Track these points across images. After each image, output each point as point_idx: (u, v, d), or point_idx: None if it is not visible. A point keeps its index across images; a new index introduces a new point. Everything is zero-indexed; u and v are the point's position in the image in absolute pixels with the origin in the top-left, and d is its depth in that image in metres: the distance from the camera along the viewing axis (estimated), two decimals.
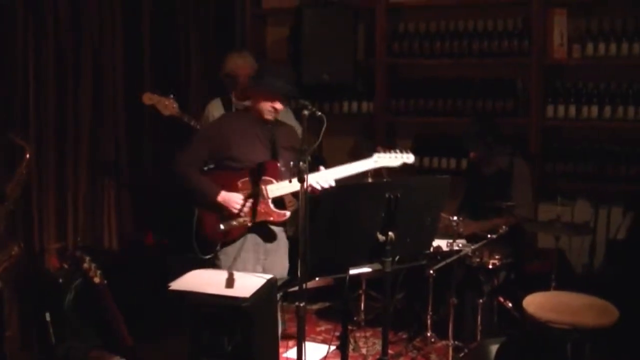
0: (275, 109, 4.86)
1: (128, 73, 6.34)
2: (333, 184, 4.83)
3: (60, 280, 5.27)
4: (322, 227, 3.86)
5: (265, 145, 4.93)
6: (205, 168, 4.98)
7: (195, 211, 4.89)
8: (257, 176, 4.88)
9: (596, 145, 6.59)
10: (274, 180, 4.89)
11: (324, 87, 7.10)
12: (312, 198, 4.20)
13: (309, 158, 4.07)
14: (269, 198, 4.89)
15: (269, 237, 5.02)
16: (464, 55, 7.00)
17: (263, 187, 4.88)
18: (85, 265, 4.84)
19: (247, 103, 5.16)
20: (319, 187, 4.76)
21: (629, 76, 6.47)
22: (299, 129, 5.91)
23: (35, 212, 5.57)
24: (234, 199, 4.83)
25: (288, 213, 5.01)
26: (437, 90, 7.17)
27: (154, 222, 6.54)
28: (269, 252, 5.01)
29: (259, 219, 4.90)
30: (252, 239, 4.95)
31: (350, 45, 7.10)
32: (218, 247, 4.88)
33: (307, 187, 4.02)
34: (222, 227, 4.84)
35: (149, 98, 5.48)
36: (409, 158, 5.08)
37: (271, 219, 4.93)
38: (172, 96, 5.51)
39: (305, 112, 4.23)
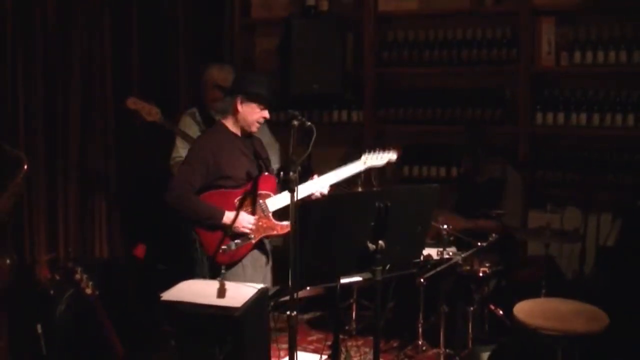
0: (264, 118, 4.85)
1: (117, 84, 6.35)
2: (327, 190, 4.88)
3: (52, 292, 5.26)
4: (312, 236, 3.87)
5: (251, 159, 4.90)
6: None
7: (195, 237, 4.81)
8: (253, 191, 4.83)
9: (585, 152, 6.62)
10: (271, 194, 4.88)
11: (313, 97, 7.11)
12: (302, 207, 4.19)
13: (299, 168, 4.09)
14: (269, 212, 4.86)
15: (265, 250, 5.02)
16: (452, 64, 7.03)
17: (262, 201, 4.84)
18: (77, 276, 4.83)
19: (220, 116, 5.07)
20: (319, 195, 4.78)
21: (617, 83, 6.51)
22: (274, 143, 5.97)
23: (26, 223, 5.57)
24: (245, 220, 4.75)
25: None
26: (426, 99, 7.19)
27: (147, 237, 6.55)
28: (264, 265, 5.02)
29: (263, 234, 4.86)
30: (255, 255, 4.91)
31: (339, 55, 7.11)
32: (223, 270, 4.69)
33: (297, 197, 4.04)
34: (225, 248, 4.71)
35: (133, 103, 5.53)
36: (393, 156, 5.20)
37: (274, 232, 4.88)
38: (154, 104, 5.57)
39: (295, 123, 4.24)
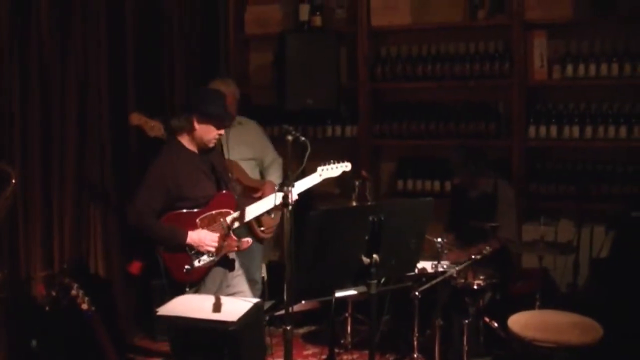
0: (220, 135, 4.91)
1: (113, 98, 6.33)
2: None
3: (47, 308, 5.26)
4: (307, 250, 3.88)
5: (209, 177, 4.94)
6: None
7: (160, 258, 4.83)
8: (213, 210, 4.87)
9: (578, 165, 6.66)
10: (231, 211, 4.91)
11: (308, 112, 7.13)
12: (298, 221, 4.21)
13: (294, 184, 4.11)
14: (230, 230, 4.91)
15: (229, 263, 5.03)
16: (446, 79, 7.06)
17: (222, 219, 4.88)
18: (74, 292, 4.84)
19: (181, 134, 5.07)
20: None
21: (609, 96, 6.55)
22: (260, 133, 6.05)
23: (22, 238, 5.55)
24: (208, 238, 4.79)
25: (251, 240, 5.03)
26: (420, 114, 7.21)
27: (145, 253, 6.55)
28: (229, 276, 5.04)
29: (225, 251, 4.89)
30: (218, 271, 4.95)
31: (334, 69, 7.12)
32: (187, 289, 4.81)
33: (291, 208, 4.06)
34: (188, 268, 4.77)
35: (137, 118, 5.53)
36: (347, 166, 5.27)
37: (236, 249, 4.93)
38: (158, 119, 5.57)
39: (289, 138, 4.26)
